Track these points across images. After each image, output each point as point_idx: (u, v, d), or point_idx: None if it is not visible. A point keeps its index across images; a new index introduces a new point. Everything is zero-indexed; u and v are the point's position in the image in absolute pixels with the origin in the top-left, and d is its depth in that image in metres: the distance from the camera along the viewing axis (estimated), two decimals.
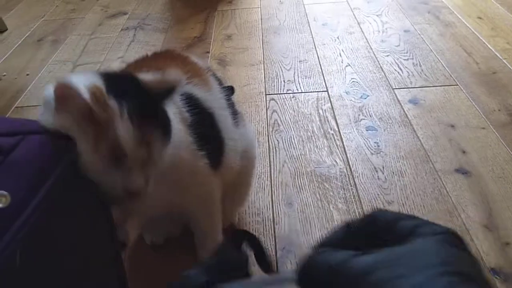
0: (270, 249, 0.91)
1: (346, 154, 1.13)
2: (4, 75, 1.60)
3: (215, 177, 0.75)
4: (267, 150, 1.17)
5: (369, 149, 1.15)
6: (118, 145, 0.53)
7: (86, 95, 0.52)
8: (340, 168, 1.09)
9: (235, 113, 0.83)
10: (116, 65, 1.63)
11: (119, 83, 0.58)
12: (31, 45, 1.81)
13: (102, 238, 0.62)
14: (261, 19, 1.88)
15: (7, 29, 1.93)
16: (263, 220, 0.98)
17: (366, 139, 1.18)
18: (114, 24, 1.96)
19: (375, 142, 1.16)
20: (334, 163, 1.11)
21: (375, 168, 1.09)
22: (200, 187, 0.74)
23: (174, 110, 0.67)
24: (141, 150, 0.55)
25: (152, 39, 1.81)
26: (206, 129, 0.71)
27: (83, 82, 0.54)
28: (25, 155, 0.49)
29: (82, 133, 0.53)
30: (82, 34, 1.89)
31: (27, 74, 1.60)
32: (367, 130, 1.21)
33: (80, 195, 0.55)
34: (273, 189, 1.06)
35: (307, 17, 1.86)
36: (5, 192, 0.43)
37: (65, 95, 0.53)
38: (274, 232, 0.95)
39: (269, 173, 1.10)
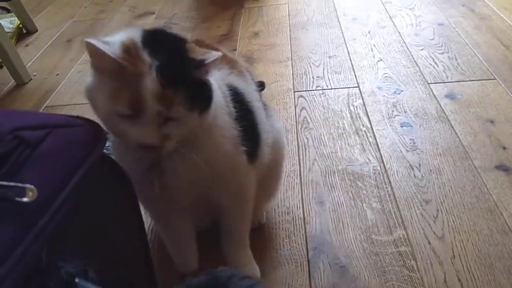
0: (301, 249, 0.88)
1: (379, 152, 1.09)
2: (35, 75, 1.62)
3: (252, 171, 0.74)
4: (296, 148, 1.14)
5: (404, 146, 1.10)
6: (139, 97, 0.54)
7: (112, 50, 0.54)
8: (374, 166, 1.05)
9: (264, 105, 0.82)
10: None
11: (161, 42, 0.59)
12: (60, 45, 1.83)
13: (131, 232, 0.61)
14: (288, 15, 1.85)
15: (37, 30, 1.96)
16: (293, 219, 0.95)
17: (400, 136, 1.13)
18: (141, 24, 1.96)
19: (410, 139, 1.12)
20: (367, 160, 1.07)
21: (411, 165, 1.04)
22: (238, 181, 0.73)
23: (223, 103, 0.67)
24: (161, 107, 0.55)
25: None
26: (247, 123, 0.70)
27: (122, 37, 0.57)
28: (53, 149, 0.47)
29: (106, 84, 0.55)
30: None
31: (57, 74, 1.61)
32: (401, 127, 1.16)
33: (108, 189, 0.54)
34: (303, 187, 1.02)
35: (336, 12, 1.82)
36: (32, 186, 0.42)
37: (92, 52, 0.55)
38: (305, 231, 0.92)
39: (298, 172, 1.07)
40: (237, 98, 0.70)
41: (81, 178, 0.47)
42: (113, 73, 0.55)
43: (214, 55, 0.58)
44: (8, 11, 2.03)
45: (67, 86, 1.53)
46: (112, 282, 0.55)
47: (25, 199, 0.41)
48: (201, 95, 0.59)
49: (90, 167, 0.49)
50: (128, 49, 0.55)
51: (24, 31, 1.95)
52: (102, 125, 0.57)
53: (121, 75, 0.54)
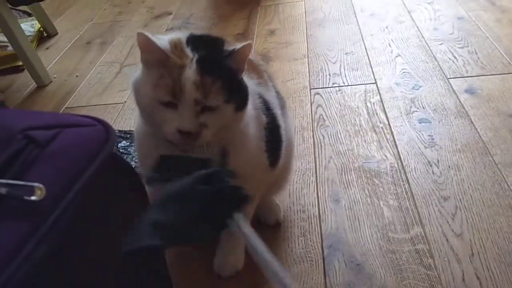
0: (316, 247, 0.87)
1: (397, 148, 1.07)
2: (55, 77, 1.65)
3: (272, 174, 0.79)
4: (312, 146, 1.13)
5: (423, 142, 1.08)
6: (180, 85, 0.59)
7: (160, 42, 0.61)
8: (391, 163, 1.03)
9: (282, 105, 0.85)
10: None
11: (203, 41, 0.66)
12: (80, 47, 1.86)
13: None
14: (305, 12, 1.84)
15: (57, 33, 2.00)
16: (308, 217, 0.94)
17: (419, 132, 1.11)
18: (159, 25, 1.98)
19: (428, 135, 1.10)
20: (384, 157, 1.05)
21: (429, 162, 1.02)
22: (257, 184, 0.77)
23: (254, 113, 0.71)
24: (199, 95, 0.60)
25: None
26: (273, 132, 0.76)
27: (171, 36, 0.65)
28: (62, 148, 0.48)
29: (152, 74, 0.61)
30: (128, 35, 1.92)
31: (77, 76, 1.64)
32: (420, 123, 1.14)
33: (119, 188, 0.54)
34: (318, 185, 1.01)
35: (353, 8, 1.80)
36: (40, 185, 0.42)
37: (143, 43, 0.62)
38: (321, 229, 0.91)
39: (314, 169, 1.06)
40: (266, 108, 0.74)
41: (90, 177, 0.47)
42: (160, 63, 0.61)
43: (243, 44, 0.63)
44: (29, 15, 2.08)
45: (86, 88, 1.55)
46: (123, 283, 0.55)
47: (33, 198, 0.42)
48: (237, 90, 0.64)
49: (99, 166, 0.49)
50: (175, 44, 0.62)
51: (45, 34, 1.98)
52: (140, 116, 0.68)
53: (166, 66, 0.60)
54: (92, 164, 0.49)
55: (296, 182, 1.03)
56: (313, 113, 1.24)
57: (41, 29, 1.97)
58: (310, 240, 0.89)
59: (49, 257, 0.42)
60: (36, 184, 0.42)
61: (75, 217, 0.45)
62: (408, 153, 1.05)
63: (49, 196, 0.43)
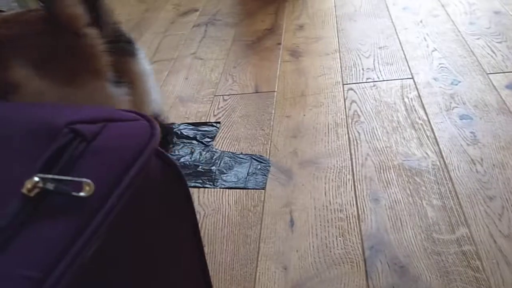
0: (356, 248, 0.84)
1: (438, 146, 1.03)
2: None
3: None
4: (347, 143, 1.10)
5: (465, 139, 1.03)
6: None
7: None
8: (433, 161, 0.99)
9: None
10: (188, 61, 1.62)
11: None
12: None
13: (186, 232, 0.59)
14: (334, 6, 1.80)
15: None
16: (346, 217, 0.91)
17: (460, 129, 1.06)
18: (186, 22, 1.96)
19: (471, 132, 1.05)
20: (425, 155, 1.01)
21: (472, 160, 0.98)
22: None
23: None
24: None
25: (223, 33, 1.79)
26: None
27: None
28: (108, 143, 0.46)
29: None
30: (156, 32, 1.91)
31: None
32: (461, 119, 1.10)
33: (163, 186, 0.52)
34: (356, 184, 0.98)
35: (385, 1, 1.75)
36: (89, 180, 0.40)
37: None
38: (360, 230, 0.88)
39: (350, 167, 1.02)
40: None
41: (137, 173, 0.45)
42: None
43: None
44: None
45: None
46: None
47: (82, 194, 0.40)
48: None
49: (145, 161, 0.47)
50: None
51: None
52: None
53: None
54: (137, 161, 0.47)
55: (332, 180, 1.00)
56: (347, 109, 1.21)
57: None
58: (350, 241, 0.86)
59: (97, 256, 0.40)
60: (84, 179, 0.41)
61: (121, 214, 0.43)
62: (450, 151, 1.01)
63: (97, 192, 0.41)
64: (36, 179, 0.39)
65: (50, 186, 0.39)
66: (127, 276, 0.47)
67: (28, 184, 0.39)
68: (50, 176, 0.40)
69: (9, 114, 0.47)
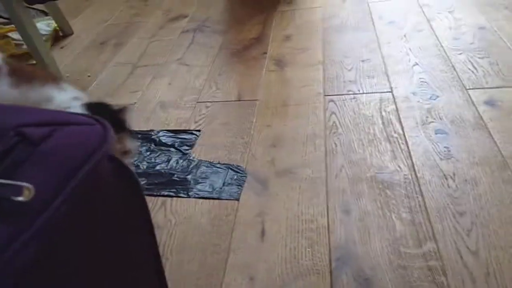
0: (323, 259, 0.84)
1: (411, 159, 1.03)
2: (68, 76, 1.65)
3: None
4: (324, 154, 1.10)
5: (438, 154, 1.04)
6: None
7: None
8: (405, 174, 0.99)
9: None
10: (174, 67, 1.63)
11: None
12: (94, 48, 1.86)
13: (139, 238, 0.59)
14: (322, 18, 1.81)
15: (73, 33, 2.00)
16: (317, 228, 0.91)
17: (435, 144, 1.07)
18: (174, 27, 1.97)
19: (445, 147, 1.05)
20: (398, 168, 1.01)
21: (444, 175, 0.98)
22: None
23: None
24: None
25: (210, 40, 1.79)
26: None
27: None
28: (56, 147, 0.46)
29: None
30: (143, 37, 1.91)
31: (89, 76, 1.63)
32: (436, 134, 1.10)
33: (114, 192, 0.52)
34: (328, 195, 0.98)
35: (371, 15, 1.77)
36: (29, 185, 0.40)
37: None
38: (329, 241, 0.87)
39: (325, 178, 1.02)
40: None
41: (83, 178, 0.45)
42: None
43: None
44: (46, 14, 2.09)
45: (97, 88, 1.55)
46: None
47: (21, 198, 0.39)
48: None
49: (93, 167, 0.47)
50: None
51: (61, 34, 1.99)
52: None
53: None
54: (85, 165, 0.46)
55: (306, 190, 1.00)
56: (326, 120, 1.21)
57: (57, 28, 1.98)
58: (318, 252, 0.85)
59: (36, 260, 0.40)
60: (24, 184, 0.40)
61: (66, 219, 0.43)
62: (423, 165, 1.01)
63: (39, 197, 0.41)
64: None
65: None
66: (77, 278, 0.46)
67: None
68: None
69: None
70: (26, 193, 0.40)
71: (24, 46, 1.74)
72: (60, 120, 0.49)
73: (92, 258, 0.49)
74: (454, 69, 1.36)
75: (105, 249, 0.51)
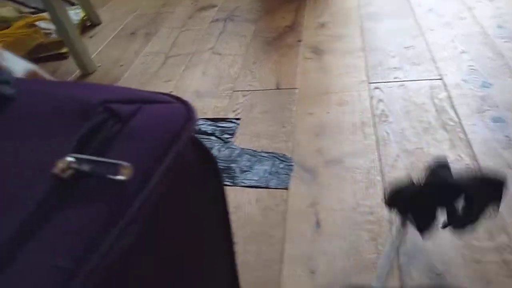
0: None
1: (471, 148, 0.98)
2: (99, 66, 1.61)
3: None
4: (375, 143, 1.05)
5: (499, 143, 0.98)
6: None
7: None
8: (467, 164, 0.94)
9: None
10: (206, 56, 1.59)
11: None
12: (124, 37, 1.83)
13: (215, 227, 0.55)
14: (357, 5, 1.76)
15: (101, 23, 1.97)
16: (378, 220, 0.86)
17: (494, 132, 1.02)
18: (203, 17, 1.93)
19: (505, 136, 1.00)
20: (459, 157, 0.96)
21: (508, 164, 0.93)
22: None
23: None
24: None
25: (242, 29, 1.75)
26: None
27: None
28: (144, 126, 0.42)
29: None
30: (173, 27, 1.87)
31: (121, 65, 1.60)
32: (494, 122, 1.05)
33: (198, 173, 0.48)
34: (385, 185, 0.93)
35: (409, 2, 1.71)
36: (127, 164, 0.36)
37: None
38: (392, 234, 0.83)
39: (379, 168, 0.98)
40: None
41: (175, 156, 0.41)
42: None
43: None
44: (73, 4, 2.06)
45: (131, 77, 1.51)
46: (190, 281, 0.49)
47: (119, 177, 0.36)
48: None
49: (183, 145, 0.43)
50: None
51: (89, 24, 1.96)
52: None
53: None
54: (175, 144, 0.43)
55: (360, 181, 0.95)
56: (373, 108, 1.16)
57: (85, 17, 1.95)
58: (382, 246, 0.81)
59: (134, 245, 0.36)
60: (122, 162, 0.36)
61: (160, 201, 0.39)
62: (484, 154, 0.96)
63: (135, 176, 0.37)
64: (70, 159, 0.35)
65: (86, 167, 0.35)
66: (167, 264, 0.43)
67: (61, 165, 0.34)
68: (85, 156, 0.35)
69: (47, 91, 0.43)
70: (125, 172, 0.36)
71: (53, 35, 1.71)
72: (143, 98, 0.45)
73: (177, 246, 0.45)
74: (503, 56, 1.30)
75: (188, 235, 0.48)
